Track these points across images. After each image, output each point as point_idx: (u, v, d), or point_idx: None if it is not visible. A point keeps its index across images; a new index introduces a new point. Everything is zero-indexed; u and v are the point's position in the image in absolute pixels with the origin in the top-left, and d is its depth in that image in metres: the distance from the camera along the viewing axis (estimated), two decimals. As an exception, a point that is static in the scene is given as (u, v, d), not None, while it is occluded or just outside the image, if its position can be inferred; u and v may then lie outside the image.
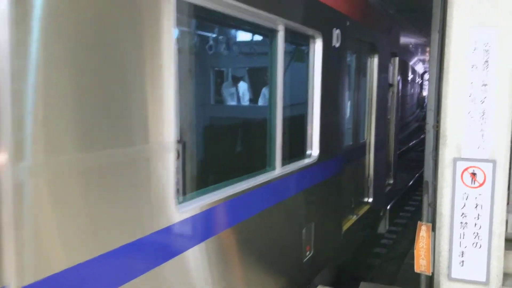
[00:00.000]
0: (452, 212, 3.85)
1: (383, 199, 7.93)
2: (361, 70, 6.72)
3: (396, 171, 8.92)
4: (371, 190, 7.04)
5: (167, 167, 2.63)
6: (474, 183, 3.77)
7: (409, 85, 34.77)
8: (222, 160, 4.89)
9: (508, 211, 3.92)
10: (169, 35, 2.57)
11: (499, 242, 3.83)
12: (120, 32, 2.26)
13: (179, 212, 2.77)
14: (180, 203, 2.84)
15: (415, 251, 4.12)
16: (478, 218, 3.80)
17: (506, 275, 3.99)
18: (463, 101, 3.79)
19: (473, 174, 3.77)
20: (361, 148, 6.76)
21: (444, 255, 3.95)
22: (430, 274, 4.11)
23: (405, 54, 30.08)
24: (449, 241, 3.90)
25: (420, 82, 39.49)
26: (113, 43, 2.22)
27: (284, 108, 4.18)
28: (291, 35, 4.21)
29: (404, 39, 24.74)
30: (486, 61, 3.72)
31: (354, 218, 6.43)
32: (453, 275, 3.89)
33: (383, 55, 7.25)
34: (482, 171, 3.75)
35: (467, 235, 3.84)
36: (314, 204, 5.03)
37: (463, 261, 3.87)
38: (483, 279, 3.83)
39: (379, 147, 7.30)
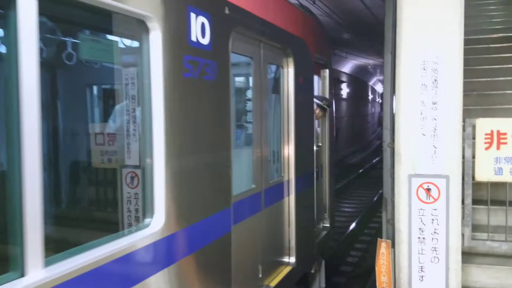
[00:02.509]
0: (410, 228, 3.93)
1: (314, 251, 5.98)
2: (264, 84, 4.67)
3: (333, 211, 7.09)
4: (292, 244, 5.15)
5: None
6: (429, 199, 3.87)
7: (369, 104, 35.59)
8: None
9: (463, 225, 4.03)
10: None
11: (456, 256, 3.92)
12: None
13: None
14: None
15: (376, 268, 4.17)
16: (435, 233, 3.88)
17: (464, 288, 4.08)
18: (415, 119, 3.91)
19: (428, 190, 3.87)
20: (275, 191, 4.86)
21: (404, 271, 4.00)
22: (392, 291, 4.16)
23: (365, 75, 30.91)
24: (408, 257, 3.97)
25: (380, 102, 40.59)
26: None
27: (69, 145, 2.71)
28: (70, 10, 2.66)
29: (363, 61, 25.49)
30: (435, 80, 3.86)
31: None
32: (414, 291, 3.95)
33: (303, 66, 5.42)
34: (436, 186, 3.85)
35: (425, 250, 3.91)
36: None
37: (422, 276, 3.93)
38: (443, 293, 3.90)
39: (305, 184, 5.57)
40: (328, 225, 6.67)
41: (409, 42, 3.94)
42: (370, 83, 35.11)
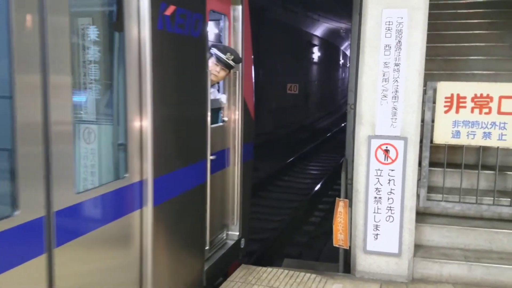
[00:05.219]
0: (367, 187, 4.00)
1: (202, 281, 3.86)
2: (62, 8, 2.36)
3: (247, 213, 4.84)
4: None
5: None
6: (387, 160, 3.93)
7: (340, 69, 35.66)
8: None
9: (419, 186, 4.13)
10: None
11: (410, 216, 4.02)
12: None
13: None
14: None
15: (333, 226, 4.26)
16: (391, 193, 3.97)
17: (417, 247, 4.21)
18: (377, 80, 3.91)
19: (386, 151, 3.92)
20: (96, 208, 2.70)
21: (360, 229, 4.10)
22: (348, 248, 4.27)
23: (336, 39, 30.77)
24: (364, 215, 4.05)
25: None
26: None
27: None
28: None
29: (336, 25, 25.32)
30: (399, 41, 3.85)
31: None
32: (368, 248, 4.06)
33: None
34: (395, 147, 3.91)
35: (381, 210, 4.00)
36: None
37: (377, 235, 4.04)
38: (396, 251, 4.02)
39: (183, 184, 3.46)
40: (237, 233, 4.63)
41: (375, 1, 3.89)
42: (342, 48, 35.07)
